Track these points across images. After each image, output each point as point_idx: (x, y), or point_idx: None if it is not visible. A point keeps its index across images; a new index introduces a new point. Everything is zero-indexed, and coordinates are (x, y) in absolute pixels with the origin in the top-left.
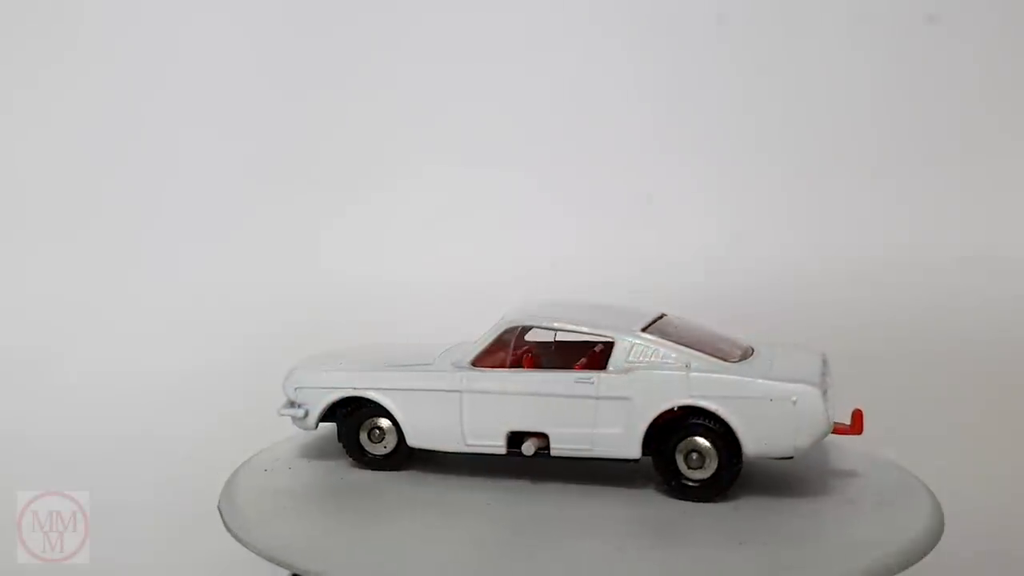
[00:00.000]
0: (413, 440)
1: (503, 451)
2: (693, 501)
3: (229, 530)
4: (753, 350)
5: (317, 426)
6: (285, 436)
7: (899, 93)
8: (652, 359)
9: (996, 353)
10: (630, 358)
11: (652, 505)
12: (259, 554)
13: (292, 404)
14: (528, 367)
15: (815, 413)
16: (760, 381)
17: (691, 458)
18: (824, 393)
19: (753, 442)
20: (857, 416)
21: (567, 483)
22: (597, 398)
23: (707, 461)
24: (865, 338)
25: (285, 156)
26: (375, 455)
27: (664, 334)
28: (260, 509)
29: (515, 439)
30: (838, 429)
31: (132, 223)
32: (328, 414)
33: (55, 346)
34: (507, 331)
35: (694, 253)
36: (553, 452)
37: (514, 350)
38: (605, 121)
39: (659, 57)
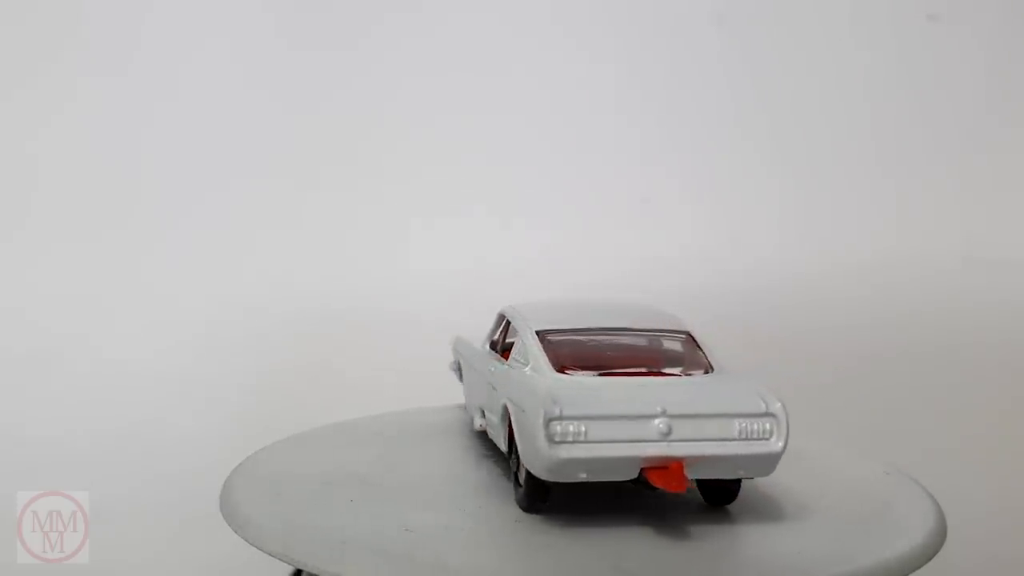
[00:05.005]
0: (466, 403)
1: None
2: (522, 509)
3: (230, 526)
4: (696, 374)
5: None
6: (286, 435)
7: (899, 93)
8: (519, 359)
9: (999, 354)
10: (516, 356)
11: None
12: (261, 549)
13: (456, 362)
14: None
15: (538, 437)
16: (527, 389)
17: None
18: (566, 420)
19: (524, 455)
20: (675, 468)
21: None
22: (492, 387)
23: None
24: (865, 338)
25: (283, 157)
26: None
27: (572, 339)
28: (261, 507)
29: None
30: (652, 476)
31: (131, 224)
32: None
33: (55, 347)
34: (498, 318)
35: (693, 253)
36: (489, 434)
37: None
38: (605, 122)
39: (658, 57)
